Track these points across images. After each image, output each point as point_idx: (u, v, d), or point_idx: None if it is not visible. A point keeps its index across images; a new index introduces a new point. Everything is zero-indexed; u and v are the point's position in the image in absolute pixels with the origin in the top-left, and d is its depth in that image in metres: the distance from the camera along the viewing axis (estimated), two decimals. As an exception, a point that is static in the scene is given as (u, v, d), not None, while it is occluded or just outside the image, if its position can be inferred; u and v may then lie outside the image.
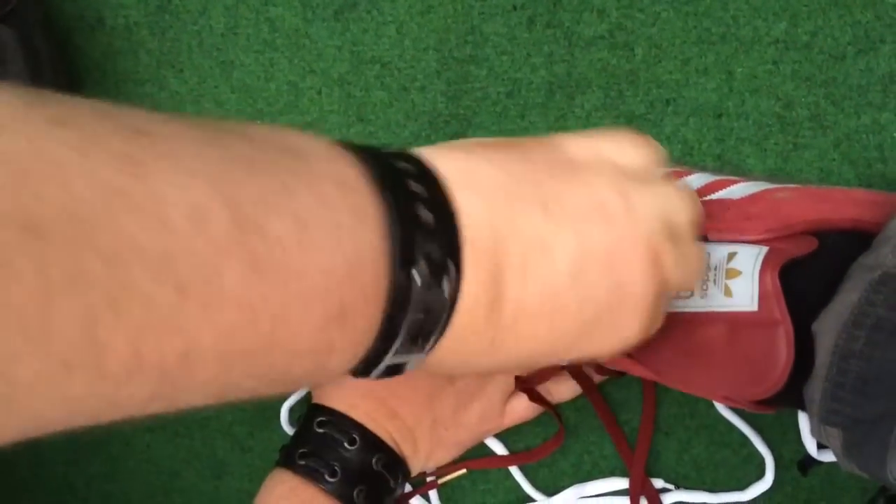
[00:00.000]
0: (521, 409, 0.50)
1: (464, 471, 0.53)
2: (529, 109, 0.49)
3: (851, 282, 0.37)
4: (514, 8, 0.48)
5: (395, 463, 0.48)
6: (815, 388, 0.36)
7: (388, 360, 0.27)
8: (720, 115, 0.47)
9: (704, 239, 0.41)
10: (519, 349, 0.30)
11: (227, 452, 0.56)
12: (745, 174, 0.47)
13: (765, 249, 0.40)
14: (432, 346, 0.28)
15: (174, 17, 0.50)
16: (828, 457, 0.48)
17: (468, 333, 0.29)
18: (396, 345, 0.27)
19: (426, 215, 0.27)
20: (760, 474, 0.51)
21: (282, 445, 0.49)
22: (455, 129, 0.49)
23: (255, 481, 0.48)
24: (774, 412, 0.43)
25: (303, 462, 0.47)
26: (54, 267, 0.19)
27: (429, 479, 0.53)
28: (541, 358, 0.32)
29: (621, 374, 0.46)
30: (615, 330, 0.31)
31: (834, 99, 0.46)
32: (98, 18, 0.51)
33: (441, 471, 0.52)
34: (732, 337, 0.39)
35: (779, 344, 0.37)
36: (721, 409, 0.51)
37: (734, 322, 0.39)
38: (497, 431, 0.51)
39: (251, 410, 0.55)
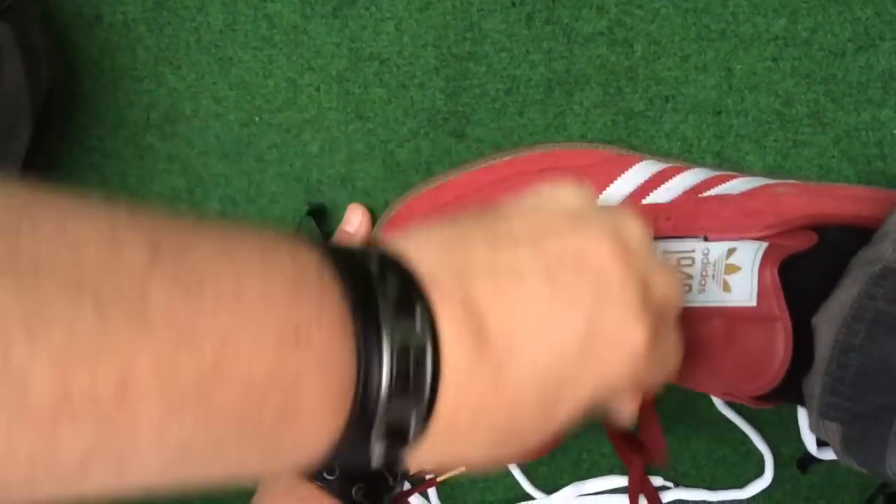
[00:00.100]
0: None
1: (463, 468, 0.53)
2: (528, 106, 0.48)
3: (851, 276, 0.37)
4: (513, 4, 0.48)
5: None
6: (815, 383, 0.36)
7: (383, 407, 0.25)
8: (719, 112, 0.47)
9: (705, 239, 0.41)
10: (527, 380, 0.28)
11: (226, 451, 0.56)
12: (744, 171, 0.47)
13: (764, 245, 0.40)
14: (432, 392, 0.26)
15: (172, 14, 0.50)
16: (827, 455, 0.48)
17: (465, 376, 0.26)
18: (384, 383, 0.25)
19: (377, 265, 0.26)
20: (760, 472, 0.51)
21: (280, 443, 0.49)
22: (454, 125, 0.49)
23: (254, 480, 0.48)
24: (774, 407, 0.43)
25: (301, 459, 0.47)
26: None
27: (428, 476, 0.53)
28: (557, 386, 0.28)
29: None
30: (617, 338, 0.29)
31: (833, 96, 0.46)
32: (96, 15, 0.51)
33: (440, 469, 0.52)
34: (731, 332, 0.39)
35: (777, 339, 0.37)
36: (720, 406, 0.51)
37: (733, 317, 0.39)
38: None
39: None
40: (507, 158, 0.47)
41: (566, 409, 0.29)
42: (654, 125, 0.48)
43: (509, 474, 0.53)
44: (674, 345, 0.33)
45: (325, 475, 0.46)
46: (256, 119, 0.51)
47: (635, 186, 0.45)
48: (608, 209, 0.31)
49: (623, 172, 0.45)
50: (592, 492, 0.52)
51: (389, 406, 0.25)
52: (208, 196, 0.52)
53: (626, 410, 0.32)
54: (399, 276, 0.26)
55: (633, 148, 0.48)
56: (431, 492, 0.54)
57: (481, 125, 0.49)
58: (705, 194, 0.43)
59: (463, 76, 0.49)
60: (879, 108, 0.46)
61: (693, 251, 0.41)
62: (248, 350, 0.22)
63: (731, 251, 0.40)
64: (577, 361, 0.28)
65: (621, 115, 0.48)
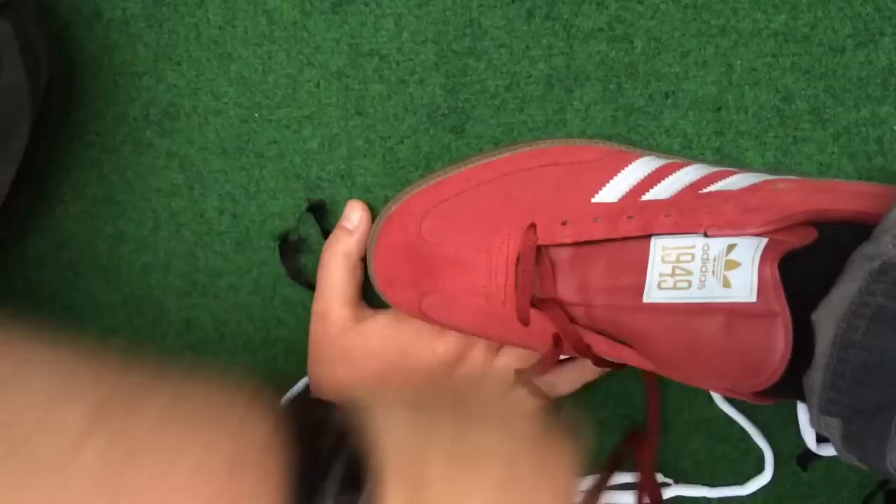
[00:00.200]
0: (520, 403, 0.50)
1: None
2: (528, 102, 0.48)
3: (851, 272, 0.37)
4: (513, 0, 0.47)
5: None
6: (815, 379, 0.36)
7: None
8: (719, 109, 0.47)
9: (705, 235, 0.41)
10: None
11: (225, 448, 0.56)
12: (744, 168, 0.47)
13: (764, 241, 0.39)
14: None
15: (171, 10, 0.50)
16: (827, 451, 0.48)
17: None
18: None
19: (331, 441, 0.27)
20: (759, 469, 0.51)
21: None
22: (453, 122, 0.49)
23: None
24: (774, 403, 0.43)
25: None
26: None
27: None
28: None
29: (622, 366, 0.46)
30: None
31: (833, 92, 0.46)
32: (95, 11, 0.50)
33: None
34: (731, 328, 0.39)
35: (777, 335, 0.37)
36: (720, 403, 0.51)
37: (732, 313, 0.39)
38: (496, 426, 0.51)
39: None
40: (506, 155, 0.47)
41: None
42: (654, 121, 0.48)
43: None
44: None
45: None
46: (256, 115, 0.51)
47: (635, 182, 0.45)
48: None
49: (623, 168, 0.45)
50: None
51: None
52: (207, 192, 0.52)
53: None
54: (350, 463, 0.27)
55: (633, 144, 0.48)
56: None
57: (481, 121, 0.49)
58: (705, 190, 0.43)
59: (462, 72, 0.49)
60: (879, 105, 0.46)
61: (693, 247, 0.41)
62: None
63: (730, 247, 0.40)
64: None
65: (621, 112, 0.48)
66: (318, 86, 0.50)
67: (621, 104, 0.48)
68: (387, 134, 0.50)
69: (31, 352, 0.25)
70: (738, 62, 0.47)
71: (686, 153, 0.48)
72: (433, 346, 0.48)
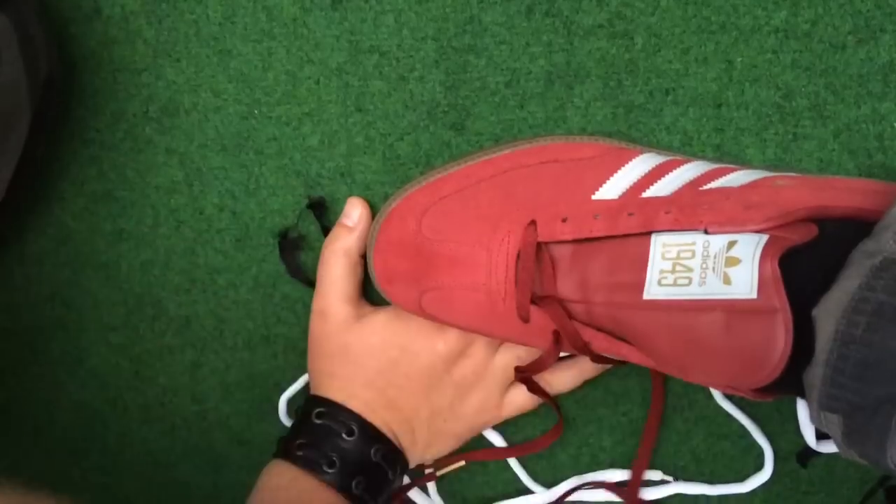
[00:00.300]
0: (520, 400, 0.50)
1: (462, 463, 0.52)
2: (528, 99, 0.48)
3: (852, 268, 0.37)
4: (513, -3, 0.47)
5: (393, 454, 0.48)
6: (815, 375, 0.36)
7: None
8: (720, 105, 0.47)
9: (705, 231, 0.41)
10: None
11: (225, 445, 0.56)
12: (744, 164, 0.47)
13: (765, 237, 0.39)
14: None
15: (171, 6, 0.50)
16: (827, 448, 0.48)
17: None
18: None
19: None
20: (759, 466, 0.51)
21: (279, 437, 0.49)
22: (453, 118, 0.49)
23: (253, 474, 0.48)
24: (774, 400, 0.43)
25: (301, 453, 0.47)
26: None
27: (427, 471, 0.53)
28: None
29: (622, 363, 0.46)
30: None
31: (834, 89, 0.46)
32: (94, 7, 0.50)
33: (440, 463, 0.52)
34: (731, 325, 0.39)
35: (777, 331, 0.37)
36: (720, 400, 0.51)
37: (733, 310, 0.39)
38: (495, 423, 0.51)
39: (249, 403, 0.55)
40: (506, 151, 0.47)
41: None
42: (654, 118, 0.48)
43: (509, 468, 0.53)
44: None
45: (325, 468, 0.46)
46: (255, 112, 0.51)
47: (635, 179, 0.45)
48: None
49: (623, 165, 0.45)
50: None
51: None
52: (207, 189, 0.52)
53: None
54: None
55: (634, 141, 0.48)
56: (431, 486, 0.54)
57: (481, 118, 0.49)
58: (705, 187, 0.43)
59: (463, 69, 0.49)
60: (880, 101, 0.46)
61: (693, 244, 0.41)
62: None
63: (731, 244, 0.40)
64: None
65: (621, 108, 0.48)
66: (317, 82, 0.50)
67: (621, 101, 0.48)
68: (387, 131, 0.50)
69: None
70: (739, 59, 0.47)
71: (686, 150, 0.48)
72: (433, 343, 0.48)
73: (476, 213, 0.46)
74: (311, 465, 0.46)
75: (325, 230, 0.51)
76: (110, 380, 0.55)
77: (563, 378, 0.50)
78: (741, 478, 0.52)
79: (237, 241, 0.52)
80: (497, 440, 0.53)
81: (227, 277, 0.53)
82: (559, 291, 0.44)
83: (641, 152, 0.46)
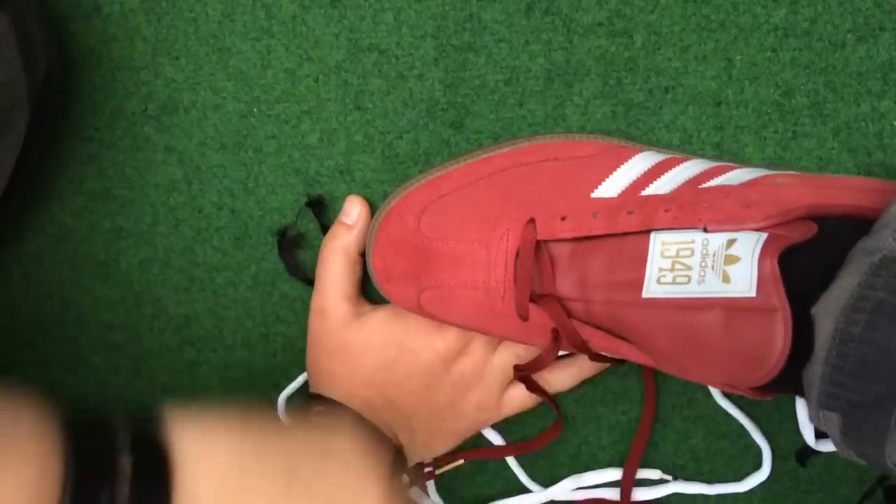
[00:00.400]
0: (519, 398, 0.50)
1: (461, 461, 0.52)
2: (527, 97, 0.48)
3: (851, 266, 0.37)
4: (513, -5, 0.47)
5: (392, 452, 0.48)
6: (814, 373, 0.36)
7: None
8: (719, 104, 0.47)
9: (704, 230, 0.41)
10: None
11: (224, 444, 0.56)
12: (744, 163, 0.47)
13: (764, 236, 0.39)
14: None
15: (170, 4, 0.50)
16: (826, 447, 0.48)
17: None
18: None
19: (123, 489, 0.26)
20: (758, 465, 0.51)
21: (278, 435, 0.49)
22: (452, 117, 0.49)
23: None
24: (773, 398, 0.43)
25: (299, 451, 0.46)
26: None
27: (426, 469, 0.53)
28: None
29: (621, 361, 0.46)
30: None
31: (833, 87, 0.46)
32: (94, 5, 0.50)
33: (439, 461, 0.52)
34: (730, 323, 0.39)
35: (776, 329, 0.37)
36: (719, 399, 0.51)
37: (732, 308, 0.39)
38: (494, 421, 0.51)
39: (247, 401, 0.55)
40: (505, 150, 0.47)
41: None
42: (653, 116, 0.48)
43: (507, 467, 0.53)
44: None
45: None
46: (255, 110, 0.51)
47: (635, 178, 0.45)
48: None
49: (622, 163, 0.45)
50: (590, 485, 0.52)
51: None
52: (206, 188, 0.52)
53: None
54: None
55: (633, 139, 0.48)
56: (430, 484, 0.54)
57: (480, 116, 0.49)
58: (705, 185, 0.43)
59: (462, 67, 0.49)
60: (879, 99, 0.46)
61: (693, 242, 0.41)
62: None
63: (730, 242, 0.40)
64: None
65: (621, 107, 0.48)
66: (316, 80, 0.50)
67: (621, 99, 0.48)
68: (386, 129, 0.50)
69: None
70: (738, 57, 0.46)
71: (686, 148, 0.48)
72: (432, 341, 0.48)
73: (475, 212, 0.46)
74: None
75: (325, 228, 0.51)
76: (109, 378, 0.55)
77: (561, 377, 0.50)
78: (740, 477, 0.52)
79: (236, 240, 0.52)
80: (496, 439, 0.53)
81: (226, 276, 0.53)
82: (558, 290, 0.44)
83: (641, 150, 0.46)
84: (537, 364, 0.46)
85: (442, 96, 0.49)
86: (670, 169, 0.44)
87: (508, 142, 0.48)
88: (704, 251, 0.40)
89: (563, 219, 0.44)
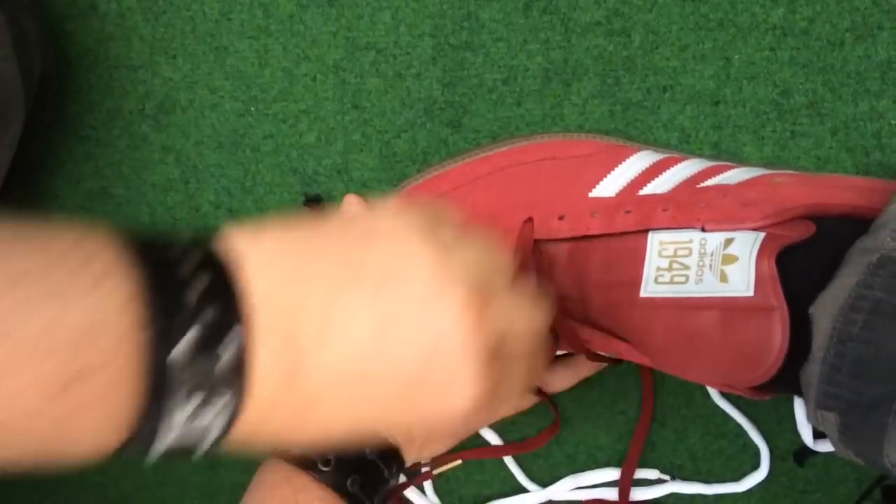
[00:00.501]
0: (516, 399, 0.50)
1: (459, 462, 0.52)
2: (525, 97, 0.48)
3: (849, 265, 0.37)
4: (510, -6, 0.47)
5: (389, 452, 0.48)
6: (812, 372, 0.36)
7: (173, 433, 0.26)
8: (717, 103, 0.47)
9: (702, 229, 0.41)
10: (333, 419, 0.30)
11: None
12: (742, 162, 0.47)
13: (762, 235, 0.39)
14: (230, 421, 0.27)
15: (167, 3, 0.50)
16: (824, 447, 0.48)
17: (270, 407, 0.28)
18: (176, 417, 0.26)
19: (198, 285, 0.26)
20: (756, 465, 0.51)
21: (275, 435, 0.49)
22: (450, 116, 0.49)
23: (249, 473, 0.48)
24: (771, 398, 0.42)
25: (296, 451, 0.46)
26: None
27: (424, 469, 0.53)
28: (362, 425, 0.31)
29: (619, 361, 0.46)
30: (445, 390, 0.30)
31: (832, 86, 0.46)
32: (91, 4, 0.50)
33: (436, 461, 0.52)
34: (728, 322, 0.38)
35: (774, 329, 0.37)
36: (717, 399, 0.51)
37: (730, 307, 0.38)
38: (492, 422, 0.51)
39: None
40: (503, 149, 0.47)
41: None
42: (651, 115, 0.47)
43: (505, 467, 0.53)
44: (527, 363, 0.33)
45: (320, 466, 0.46)
46: (252, 109, 0.50)
47: (633, 177, 0.45)
48: (475, 242, 0.31)
49: (620, 163, 0.45)
50: (588, 485, 0.52)
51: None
52: (203, 187, 0.52)
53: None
54: (222, 310, 0.26)
55: (631, 138, 0.48)
56: (427, 484, 0.54)
57: (478, 115, 0.49)
58: (703, 185, 0.43)
59: (460, 66, 0.48)
60: (877, 99, 0.46)
61: (690, 241, 0.41)
62: (17, 382, 0.24)
63: (728, 241, 0.40)
64: (395, 409, 0.30)
65: (619, 106, 0.48)
66: (314, 80, 0.50)
67: (619, 98, 0.48)
68: (384, 128, 0.50)
69: None
70: (737, 56, 0.46)
71: (684, 147, 0.48)
72: None
73: (473, 211, 0.46)
74: (306, 463, 0.46)
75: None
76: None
77: (559, 377, 0.50)
78: (738, 477, 0.51)
79: (233, 239, 0.52)
80: (493, 439, 0.53)
81: (223, 275, 0.53)
82: (556, 289, 0.44)
83: (639, 150, 0.46)
84: (535, 364, 0.46)
85: (440, 95, 0.49)
86: (668, 168, 0.44)
87: (506, 141, 0.48)
88: (702, 251, 0.40)
89: (560, 218, 0.44)
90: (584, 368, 0.50)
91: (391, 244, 0.30)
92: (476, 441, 0.53)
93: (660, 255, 0.41)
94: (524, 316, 0.32)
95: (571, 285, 0.43)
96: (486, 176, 0.47)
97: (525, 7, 0.47)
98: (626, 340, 0.43)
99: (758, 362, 0.37)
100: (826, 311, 0.36)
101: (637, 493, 0.52)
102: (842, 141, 0.46)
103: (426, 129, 0.49)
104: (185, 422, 0.26)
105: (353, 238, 0.30)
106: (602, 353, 0.45)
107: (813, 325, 0.37)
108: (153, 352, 0.25)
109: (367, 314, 0.28)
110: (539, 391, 0.49)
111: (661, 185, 0.44)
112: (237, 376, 0.27)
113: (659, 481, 0.52)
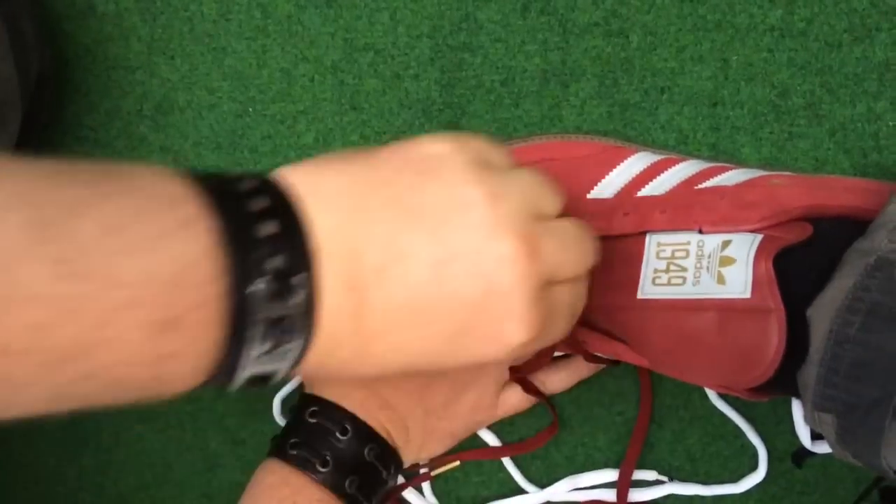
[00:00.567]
0: (515, 399, 0.50)
1: (457, 463, 0.52)
2: (523, 97, 0.48)
3: (847, 267, 0.37)
4: (509, -5, 0.47)
5: (387, 453, 0.48)
6: (810, 374, 0.36)
7: (249, 368, 0.28)
8: (715, 104, 0.47)
9: (699, 231, 0.41)
10: (391, 355, 0.31)
11: (219, 444, 0.56)
12: (739, 163, 0.47)
13: (759, 237, 0.39)
14: (300, 356, 0.29)
15: (166, 4, 0.50)
16: (822, 448, 0.48)
17: (335, 342, 0.29)
18: (253, 353, 0.27)
19: (268, 228, 0.27)
20: (754, 466, 0.51)
21: (273, 436, 0.49)
22: (449, 117, 0.49)
23: (248, 473, 0.48)
24: (768, 400, 0.43)
25: (294, 452, 0.46)
26: None
27: (422, 470, 0.53)
28: (418, 362, 0.32)
29: (616, 362, 0.46)
30: (496, 329, 0.31)
31: (829, 87, 0.46)
32: (89, 4, 0.50)
33: (434, 462, 0.52)
34: (725, 324, 0.39)
35: (771, 331, 0.37)
36: (715, 400, 0.51)
37: (727, 309, 0.38)
38: (490, 422, 0.51)
39: (243, 402, 0.55)
40: (501, 150, 0.47)
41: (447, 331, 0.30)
42: (649, 117, 0.47)
43: (503, 468, 0.53)
44: (576, 236, 0.34)
45: (318, 467, 0.46)
46: (250, 110, 0.50)
47: (630, 178, 0.45)
48: (524, 175, 0.32)
49: (618, 164, 0.45)
50: (586, 486, 0.52)
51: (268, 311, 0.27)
52: (201, 187, 0.52)
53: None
54: (292, 245, 0.28)
55: (629, 139, 0.48)
56: (425, 486, 0.54)
57: (476, 116, 0.49)
58: (700, 186, 0.43)
59: (458, 67, 0.48)
60: (875, 100, 0.46)
61: (688, 243, 0.41)
62: (122, 328, 0.25)
63: (725, 243, 0.40)
64: (450, 347, 0.31)
65: (617, 107, 0.48)
66: (312, 80, 0.50)
67: (617, 99, 0.48)
68: (382, 129, 0.50)
69: None
70: (734, 57, 0.46)
71: (681, 149, 0.48)
72: None
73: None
74: (303, 464, 0.46)
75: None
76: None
77: (557, 378, 0.50)
78: (736, 478, 0.51)
79: (231, 240, 0.52)
80: (492, 440, 0.53)
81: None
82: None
83: (636, 151, 0.46)
84: (533, 365, 0.46)
85: (438, 96, 0.49)
86: (666, 170, 0.44)
87: (504, 142, 0.48)
88: (699, 252, 0.40)
89: (558, 219, 0.44)
90: (582, 369, 0.50)
91: (446, 185, 0.30)
92: (474, 442, 0.53)
93: (657, 256, 0.41)
94: (572, 251, 0.33)
95: (569, 286, 0.43)
96: (484, 177, 0.46)
97: (523, 8, 0.47)
98: (623, 342, 0.43)
99: (755, 364, 0.37)
100: (823, 312, 0.36)
101: (635, 495, 0.52)
102: (839, 142, 0.46)
103: (424, 130, 0.49)
104: (260, 357, 0.28)
105: (409, 175, 0.30)
106: (600, 355, 0.45)
107: (810, 326, 0.37)
108: (235, 294, 0.26)
109: (425, 255, 0.29)
110: (537, 392, 0.49)
111: (658, 186, 0.44)
112: (306, 315, 0.28)
113: (657, 482, 0.52)
